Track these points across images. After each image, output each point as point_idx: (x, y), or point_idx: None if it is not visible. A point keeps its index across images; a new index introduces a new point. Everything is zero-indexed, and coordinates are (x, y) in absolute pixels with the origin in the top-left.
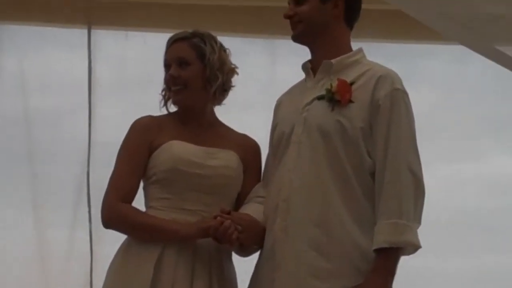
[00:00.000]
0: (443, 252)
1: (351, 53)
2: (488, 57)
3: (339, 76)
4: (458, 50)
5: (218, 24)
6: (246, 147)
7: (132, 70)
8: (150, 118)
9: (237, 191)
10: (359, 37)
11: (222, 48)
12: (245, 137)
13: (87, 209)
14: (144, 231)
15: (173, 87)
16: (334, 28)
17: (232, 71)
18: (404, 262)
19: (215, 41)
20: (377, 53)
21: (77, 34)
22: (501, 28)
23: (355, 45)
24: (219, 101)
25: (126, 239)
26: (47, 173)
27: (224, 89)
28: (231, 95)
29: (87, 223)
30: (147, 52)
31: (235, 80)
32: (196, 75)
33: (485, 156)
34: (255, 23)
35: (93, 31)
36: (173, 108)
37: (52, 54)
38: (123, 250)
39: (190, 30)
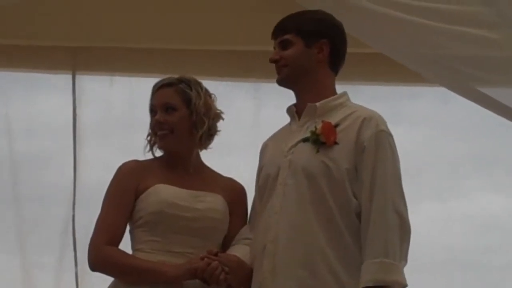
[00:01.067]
0: None
1: (335, 96)
2: (469, 98)
3: (323, 119)
4: (442, 91)
5: (203, 69)
6: (232, 190)
7: (117, 114)
8: (136, 162)
9: (223, 234)
10: (344, 80)
11: (208, 94)
12: (231, 181)
13: (73, 252)
14: (131, 273)
15: (159, 132)
16: (318, 72)
17: (218, 116)
18: None
19: (201, 86)
20: (362, 95)
21: (62, 79)
22: (481, 69)
23: (340, 87)
24: (205, 146)
25: (113, 281)
26: (33, 216)
27: (210, 134)
28: (217, 138)
29: (73, 266)
30: (132, 96)
31: (220, 124)
32: (182, 121)
33: (471, 195)
34: (240, 67)
35: (77, 76)
36: (158, 153)
37: (38, 99)
38: None
39: (175, 76)
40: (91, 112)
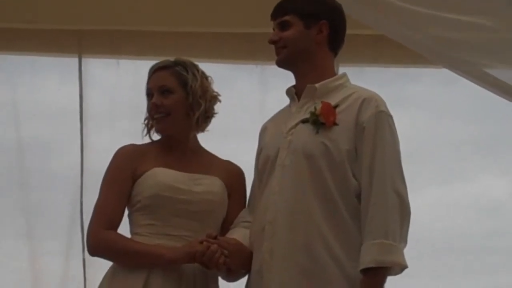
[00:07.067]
0: (431, 273)
1: (335, 77)
2: (473, 80)
3: (323, 100)
4: (445, 73)
5: (209, 51)
6: (230, 173)
7: (124, 98)
8: (133, 146)
9: (222, 217)
10: (347, 62)
11: (204, 76)
12: (229, 163)
13: (80, 237)
14: (130, 257)
15: (156, 115)
16: (318, 53)
17: (215, 98)
18: (391, 283)
19: (197, 69)
20: (364, 77)
21: (68, 63)
22: (487, 51)
23: (342, 69)
24: (202, 129)
25: (112, 265)
26: (40, 201)
27: (206, 116)
28: (221, 121)
29: (81, 251)
30: (138, 80)
31: (219, 106)
32: (179, 103)
33: (474, 178)
34: (246, 50)
35: (84, 60)
36: (156, 137)
37: (44, 83)
38: (109, 277)
39: (171, 59)
40: (98, 96)
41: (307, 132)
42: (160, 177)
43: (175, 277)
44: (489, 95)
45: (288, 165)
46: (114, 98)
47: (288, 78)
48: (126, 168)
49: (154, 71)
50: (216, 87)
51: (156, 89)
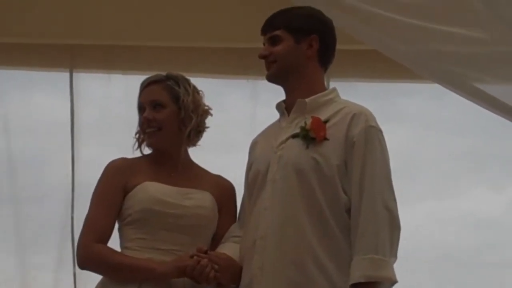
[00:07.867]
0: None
1: (325, 92)
2: (463, 95)
3: (313, 115)
4: (436, 88)
5: (200, 66)
6: (221, 188)
7: (115, 113)
8: (123, 160)
9: (212, 231)
10: (339, 76)
11: (196, 90)
12: (219, 178)
13: (71, 251)
14: (120, 271)
15: (148, 129)
16: (308, 68)
17: (206, 112)
18: None
19: (189, 83)
20: (354, 92)
21: (60, 77)
22: (472, 68)
23: (334, 84)
24: (193, 143)
25: (101, 279)
26: (31, 215)
27: (198, 130)
28: (213, 136)
29: (72, 265)
30: (129, 94)
31: (211, 121)
32: (171, 117)
33: (464, 193)
34: (238, 65)
35: (75, 74)
36: (147, 151)
37: (35, 97)
38: None
39: (163, 73)
40: (89, 110)
41: (297, 147)
42: (151, 191)
43: None
44: (480, 109)
45: (279, 180)
46: (106, 113)
47: (279, 93)
48: (116, 182)
49: (146, 86)
50: (207, 101)
51: (148, 104)
